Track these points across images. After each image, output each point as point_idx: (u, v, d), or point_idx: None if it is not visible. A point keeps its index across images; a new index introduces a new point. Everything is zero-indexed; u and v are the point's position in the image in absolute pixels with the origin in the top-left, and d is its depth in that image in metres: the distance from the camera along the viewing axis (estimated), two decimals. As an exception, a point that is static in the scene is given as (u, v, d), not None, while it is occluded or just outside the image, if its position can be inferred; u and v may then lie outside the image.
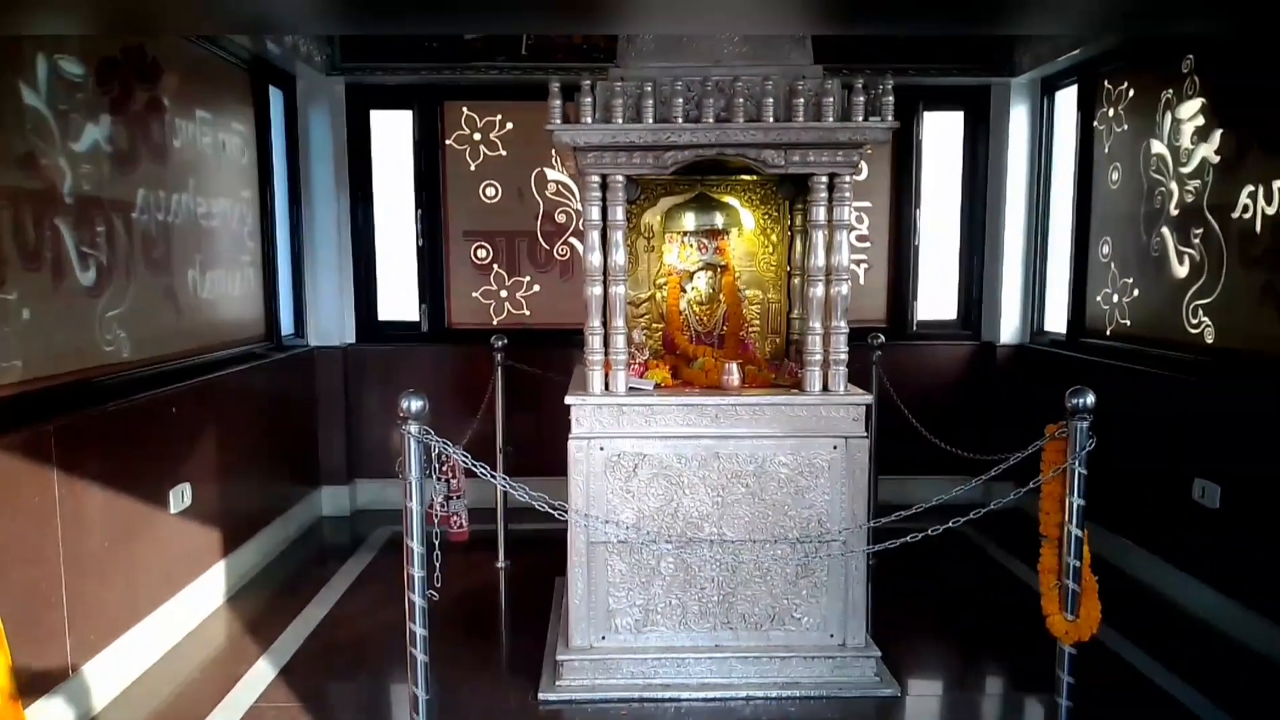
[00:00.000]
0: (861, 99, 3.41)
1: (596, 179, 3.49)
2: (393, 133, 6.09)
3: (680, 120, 3.41)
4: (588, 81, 3.39)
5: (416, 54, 5.77)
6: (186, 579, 4.20)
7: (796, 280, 4.23)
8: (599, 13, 3.09)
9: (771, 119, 3.41)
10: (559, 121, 3.38)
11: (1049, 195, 5.91)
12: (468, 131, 6.07)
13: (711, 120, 3.41)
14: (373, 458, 6.15)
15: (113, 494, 3.57)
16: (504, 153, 6.07)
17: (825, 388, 3.59)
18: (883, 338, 4.99)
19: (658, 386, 3.73)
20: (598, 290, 3.53)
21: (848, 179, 3.52)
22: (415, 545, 2.77)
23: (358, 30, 5.57)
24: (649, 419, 3.55)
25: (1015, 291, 6.08)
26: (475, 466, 2.94)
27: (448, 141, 6.08)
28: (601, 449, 3.54)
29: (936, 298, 6.26)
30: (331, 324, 6.02)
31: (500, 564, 5.01)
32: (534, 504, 3.02)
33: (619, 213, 3.51)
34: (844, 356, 3.58)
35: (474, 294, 6.21)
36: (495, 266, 6.19)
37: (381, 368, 6.14)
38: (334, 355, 6.02)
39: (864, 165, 6.10)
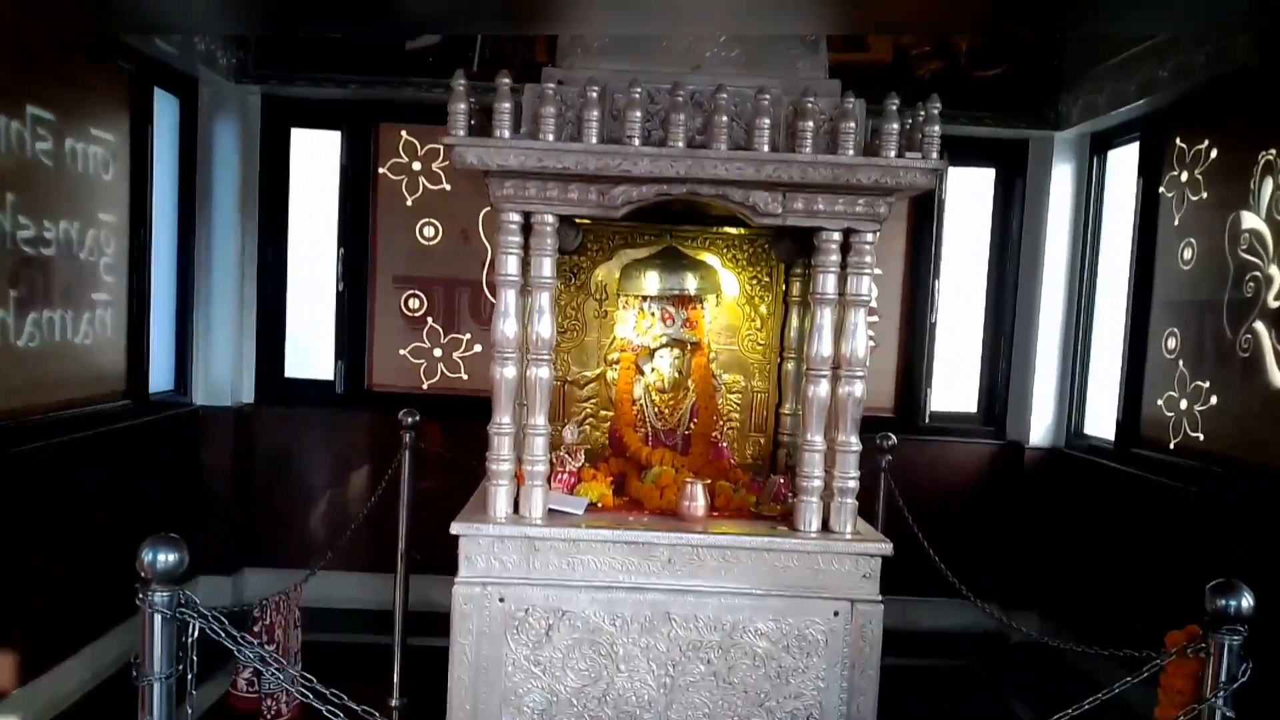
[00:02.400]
0: (895, 126, 2.43)
1: (516, 218, 2.47)
2: (316, 156, 5.09)
3: (637, 142, 2.41)
4: (506, 81, 2.39)
5: (349, 64, 4.80)
6: (-58, 730, 3.09)
7: (790, 365, 3.22)
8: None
9: (767, 147, 2.42)
10: (462, 133, 2.37)
11: (1096, 273, 4.93)
12: (405, 159, 5.08)
13: (682, 144, 2.41)
14: (268, 542, 5.06)
15: None
16: (448, 186, 5.08)
17: (826, 526, 2.55)
18: (894, 438, 3.97)
19: (592, 507, 2.69)
20: (509, 372, 2.50)
21: (869, 238, 2.53)
22: (156, 787, 1.70)
23: (274, 31, 4.64)
24: (573, 560, 2.49)
25: (1050, 384, 5.08)
26: (264, 652, 1.88)
27: (381, 170, 5.09)
28: (501, 601, 2.48)
29: (955, 386, 5.26)
30: (224, 380, 4.96)
31: (395, 701, 3.89)
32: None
33: (545, 266, 2.49)
34: (853, 484, 2.55)
35: (401, 351, 5.16)
36: (429, 320, 5.16)
37: (284, 434, 5.08)
38: (224, 418, 4.95)
39: (875, 225, 5.13)
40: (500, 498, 2.50)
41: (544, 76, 2.53)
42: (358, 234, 5.08)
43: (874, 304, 5.09)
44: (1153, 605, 4.08)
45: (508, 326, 2.48)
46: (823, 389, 2.53)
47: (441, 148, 5.04)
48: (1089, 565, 4.61)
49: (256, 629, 2.39)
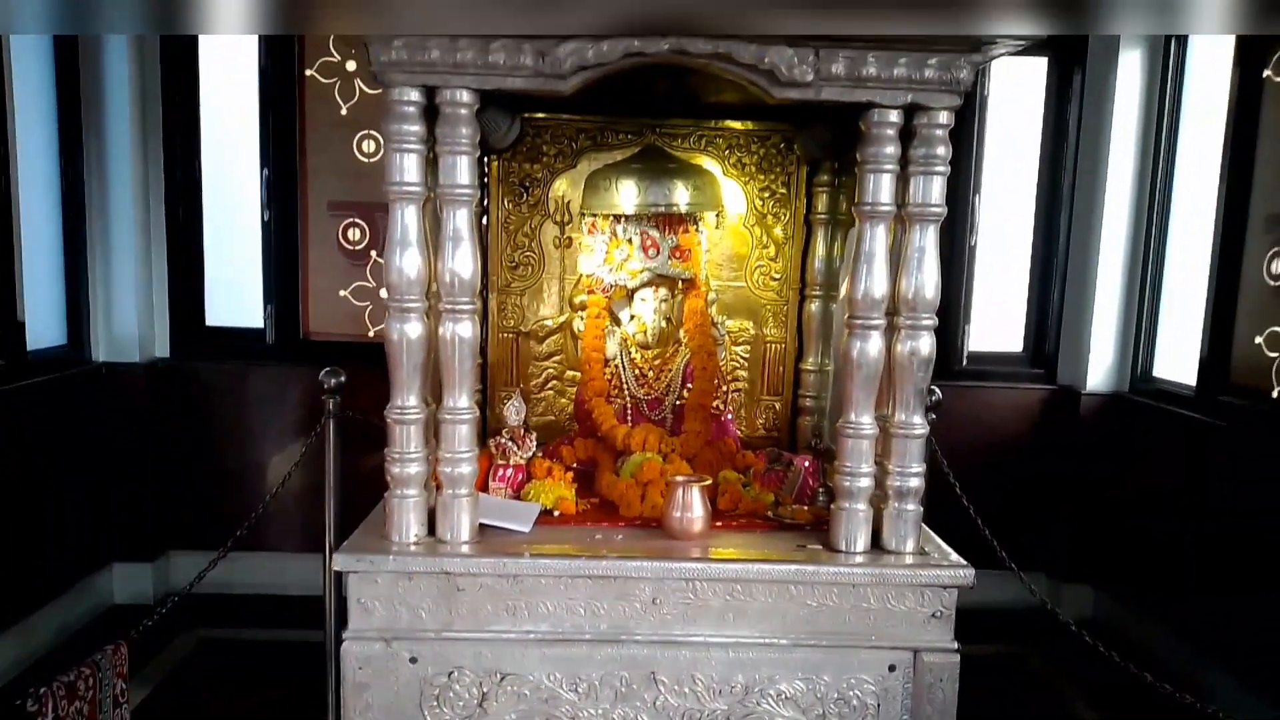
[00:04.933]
0: (986, -56, 1.59)
1: (413, 96, 1.65)
2: (229, 57, 4.21)
3: (595, -24, 1.57)
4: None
5: (260, -60, 3.89)
6: None
7: (815, 305, 2.42)
8: None
9: (791, -18, 1.58)
10: (318, -41, 1.54)
11: (1171, 183, 4.10)
12: (338, 58, 4.20)
13: (662, -21, 1.58)
14: (194, 521, 4.31)
15: None
16: (389, 92, 4.21)
17: (877, 543, 1.78)
18: (938, 391, 3.19)
19: (548, 516, 1.92)
20: (412, 329, 1.70)
21: (943, 118, 1.70)
22: None
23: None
24: (515, 603, 1.72)
25: (1111, 318, 4.28)
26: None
27: (309, 72, 4.21)
28: (413, 662, 1.72)
29: (997, 322, 4.46)
30: (131, 331, 4.15)
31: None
32: None
33: (462, 169, 1.67)
34: (917, 482, 1.77)
35: (342, 292, 4.34)
36: (373, 254, 4.33)
37: (208, 394, 4.29)
38: (134, 376, 4.14)
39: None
40: (407, 515, 1.72)
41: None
42: (284, 151, 4.22)
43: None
44: (1236, 585, 3.37)
45: (407, 261, 1.67)
46: (873, 345, 1.73)
47: (380, 45, 4.16)
48: (1156, 534, 3.87)
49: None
